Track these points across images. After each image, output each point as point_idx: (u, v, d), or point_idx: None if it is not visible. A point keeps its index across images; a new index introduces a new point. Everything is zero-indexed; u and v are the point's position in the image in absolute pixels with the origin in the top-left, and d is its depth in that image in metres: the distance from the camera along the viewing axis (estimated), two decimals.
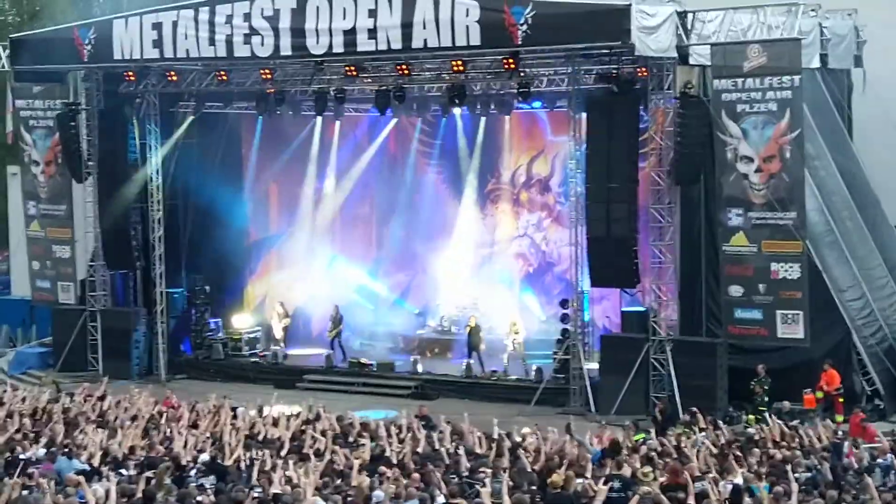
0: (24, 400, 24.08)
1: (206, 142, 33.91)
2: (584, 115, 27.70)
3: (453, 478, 17.00)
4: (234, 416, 22.43)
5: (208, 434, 20.67)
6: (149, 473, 16.95)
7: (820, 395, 25.41)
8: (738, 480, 16.58)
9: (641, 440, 20.89)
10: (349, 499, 15.81)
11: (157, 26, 30.01)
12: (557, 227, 31.97)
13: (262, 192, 35.81)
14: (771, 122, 25.10)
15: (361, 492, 15.82)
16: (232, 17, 29.04)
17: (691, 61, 25.99)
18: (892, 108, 28.93)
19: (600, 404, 27.32)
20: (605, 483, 16.06)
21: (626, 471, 17.13)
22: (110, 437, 20.09)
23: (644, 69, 26.76)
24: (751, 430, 21.26)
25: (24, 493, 15.86)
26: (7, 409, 22.72)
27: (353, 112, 32.90)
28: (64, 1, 44.62)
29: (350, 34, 27.79)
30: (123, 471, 17.59)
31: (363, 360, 31.89)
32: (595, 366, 28.35)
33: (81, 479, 16.38)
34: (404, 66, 28.60)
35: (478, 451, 19.28)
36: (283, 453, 18.75)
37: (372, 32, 27.50)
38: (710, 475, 16.93)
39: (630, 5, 24.82)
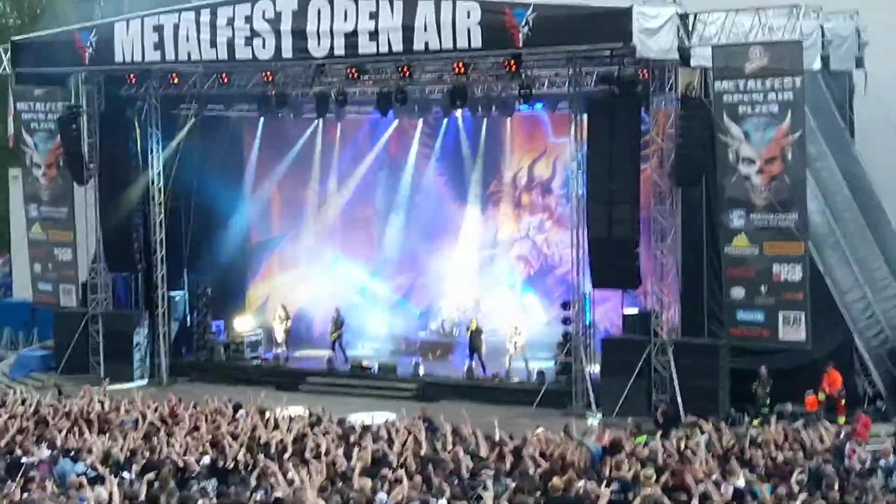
0: (25, 402, 24.05)
1: (207, 144, 33.92)
2: (585, 116, 27.71)
3: (455, 480, 16.98)
4: (236, 419, 22.44)
5: (210, 437, 20.64)
6: (151, 477, 16.95)
7: (822, 396, 25.37)
8: (741, 482, 16.56)
9: (643, 442, 20.88)
10: (351, 502, 15.79)
11: (159, 29, 30.04)
12: (559, 229, 31.94)
13: (263, 194, 35.82)
14: (773, 123, 25.07)
15: (364, 494, 15.81)
16: (233, 20, 29.06)
17: (693, 63, 25.96)
18: (894, 109, 28.95)
19: (602, 406, 27.32)
20: (605, 485, 16.05)
21: (628, 473, 17.12)
22: (112, 441, 20.08)
23: (645, 71, 26.75)
24: (753, 432, 21.21)
25: (26, 496, 15.85)
26: (9, 412, 22.71)
27: (354, 114, 32.87)
28: (65, 3, 44.67)
29: (351, 36, 27.81)
30: (125, 474, 17.59)
31: (364, 363, 31.90)
32: (597, 368, 28.36)
33: (83, 480, 16.39)
34: (406, 69, 28.61)
35: (480, 453, 19.25)
36: (285, 456, 18.74)
37: (373, 35, 27.51)
38: (713, 477, 16.91)
39: (631, 7, 24.82)
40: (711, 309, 26.99)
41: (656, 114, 27.15)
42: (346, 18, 27.76)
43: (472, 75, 28.65)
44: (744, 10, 25.70)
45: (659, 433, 22.26)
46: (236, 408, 23.68)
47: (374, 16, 27.40)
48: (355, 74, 29.09)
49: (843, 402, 25.40)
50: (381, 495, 15.83)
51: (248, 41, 29.00)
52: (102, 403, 24.18)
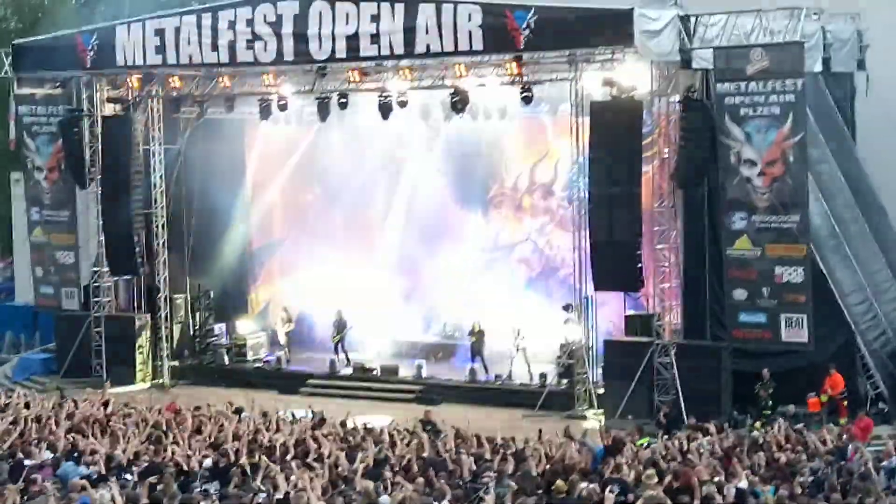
0: (27, 406, 24.06)
1: (209, 148, 33.89)
2: (586, 119, 27.68)
3: (457, 483, 16.98)
4: (238, 421, 22.44)
5: (212, 439, 20.65)
6: (153, 479, 16.95)
7: (824, 398, 25.38)
8: (743, 484, 16.56)
9: (646, 444, 20.88)
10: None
11: (160, 32, 30.11)
12: (561, 232, 31.92)
13: (265, 197, 35.83)
14: (774, 125, 25.08)
15: (367, 496, 15.81)
16: (234, 23, 29.13)
17: (694, 65, 25.99)
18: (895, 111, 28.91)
19: (604, 408, 27.32)
20: (604, 487, 16.04)
21: (630, 475, 17.10)
22: (114, 443, 20.07)
23: (647, 73, 26.74)
24: (755, 434, 21.24)
25: (28, 498, 15.85)
26: (11, 415, 22.71)
27: (355, 118, 32.85)
28: (66, 7, 44.70)
29: (353, 39, 27.87)
30: (128, 476, 17.58)
31: (367, 365, 31.90)
32: (599, 370, 28.34)
33: (85, 483, 16.38)
34: (407, 71, 28.61)
35: (482, 455, 19.25)
36: (287, 458, 18.74)
37: (374, 37, 27.58)
38: (715, 479, 16.89)
39: (633, 10, 24.84)
40: (713, 311, 26.97)
41: (658, 116, 27.15)
42: (347, 21, 27.83)
43: (473, 78, 28.66)
44: (745, 12, 25.73)
45: (661, 435, 22.27)
46: (238, 410, 23.68)
47: (375, 19, 27.46)
48: (357, 77, 29.10)
49: (846, 403, 25.41)
50: (384, 498, 15.82)
51: (250, 44, 29.07)
52: (104, 406, 24.20)
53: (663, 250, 27.25)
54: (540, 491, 16.53)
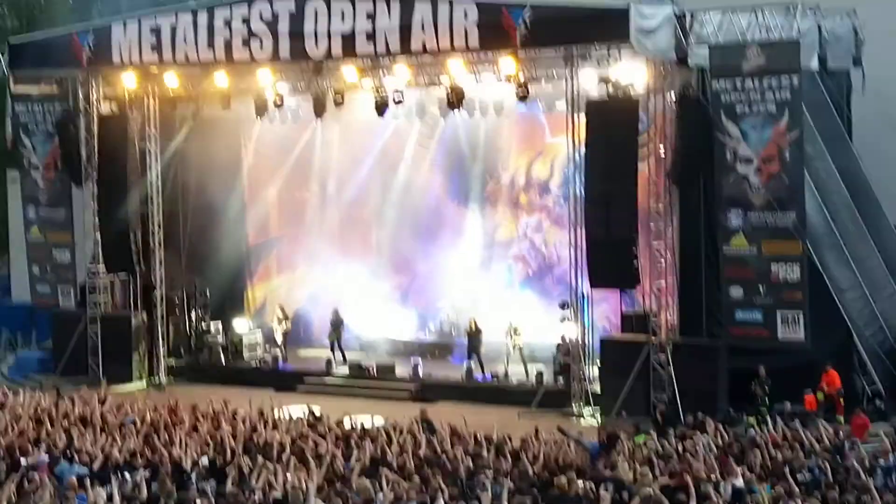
0: (24, 404, 24.04)
1: (205, 145, 33.89)
2: (582, 116, 27.67)
3: (454, 481, 16.98)
4: (234, 419, 22.43)
5: (208, 437, 20.64)
6: (149, 477, 16.94)
7: (821, 396, 25.35)
8: (739, 482, 16.56)
9: (642, 442, 20.89)
10: (350, 503, 15.78)
11: (156, 30, 30.10)
12: (557, 229, 31.92)
13: (261, 195, 35.83)
14: (770, 122, 25.06)
15: (364, 494, 15.81)
16: (230, 21, 29.12)
17: (690, 62, 25.94)
18: (892, 108, 28.91)
19: (601, 406, 27.31)
20: (598, 486, 16.04)
21: (626, 473, 17.11)
22: (111, 442, 20.07)
23: (643, 70, 26.74)
24: (752, 432, 21.23)
25: (24, 497, 15.85)
26: (8, 414, 22.70)
27: (352, 115, 32.84)
28: (62, 5, 44.68)
29: (349, 37, 27.84)
30: (124, 475, 17.57)
31: (363, 364, 31.89)
32: (595, 368, 28.34)
33: (83, 481, 16.38)
34: (403, 68, 28.60)
35: (478, 454, 19.25)
36: (284, 457, 18.73)
37: (371, 35, 27.58)
38: (712, 477, 16.90)
39: (629, 7, 24.83)
40: (710, 309, 26.94)
41: (654, 113, 27.14)
42: (343, 19, 27.82)
43: (469, 75, 28.65)
44: (741, 10, 25.72)
45: (657, 433, 22.27)
46: (235, 409, 23.66)
47: (371, 16, 27.45)
48: (353, 75, 29.07)
49: (842, 401, 25.40)
50: (380, 496, 15.82)
51: (246, 42, 29.05)
52: (101, 404, 24.19)
53: (659, 248, 27.22)
54: (536, 489, 16.55)
